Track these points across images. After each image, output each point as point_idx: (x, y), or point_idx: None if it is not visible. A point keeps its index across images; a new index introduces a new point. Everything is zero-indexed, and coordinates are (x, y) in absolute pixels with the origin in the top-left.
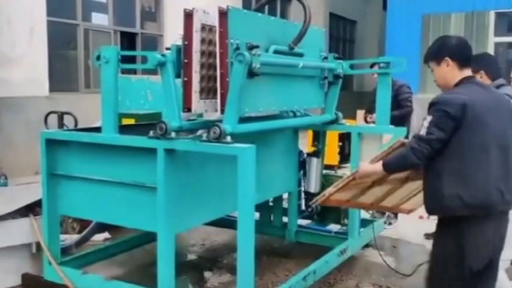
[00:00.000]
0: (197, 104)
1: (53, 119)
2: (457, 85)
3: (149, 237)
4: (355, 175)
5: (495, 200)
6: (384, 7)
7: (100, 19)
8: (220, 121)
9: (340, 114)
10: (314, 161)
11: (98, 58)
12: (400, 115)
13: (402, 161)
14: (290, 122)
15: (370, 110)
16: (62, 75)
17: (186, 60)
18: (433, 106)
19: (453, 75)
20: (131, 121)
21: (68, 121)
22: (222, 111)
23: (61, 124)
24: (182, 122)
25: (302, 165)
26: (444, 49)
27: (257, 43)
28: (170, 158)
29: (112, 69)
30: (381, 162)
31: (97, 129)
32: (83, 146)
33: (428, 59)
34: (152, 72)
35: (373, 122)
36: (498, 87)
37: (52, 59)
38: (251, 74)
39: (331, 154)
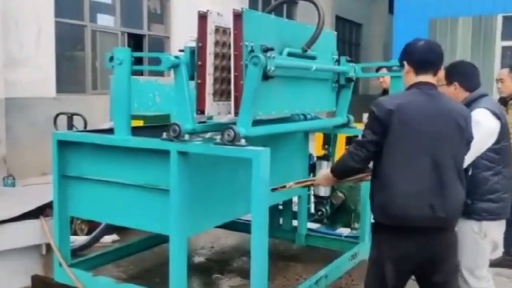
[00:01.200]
0: (211, 106)
1: (62, 120)
2: (407, 89)
3: (158, 239)
4: (313, 182)
5: (420, 214)
6: (390, 10)
7: (106, 21)
8: (233, 123)
9: (351, 118)
10: (324, 164)
11: (111, 59)
12: None
13: (344, 165)
14: (302, 125)
15: None
16: (69, 76)
17: (200, 62)
18: (370, 109)
19: (410, 79)
20: (140, 123)
21: (77, 122)
22: (236, 114)
23: (70, 125)
24: (195, 124)
25: (312, 169)
26: (404, 53)
27: (271, 45)
28: (183, 160)
29: (125, 71)
30: (329, 169)
31: (107, 131)
32: (95, 148)
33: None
34: (159, 73)
35: None
36: (477, 98)
37: (59, 60)
38: (266, 76)
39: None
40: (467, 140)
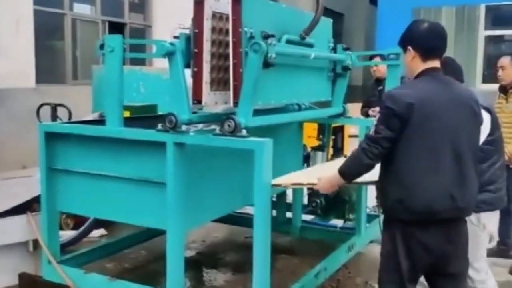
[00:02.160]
0: (208, 95)
1: (45, 112)
2: (417, 77)
3: (149, 234)
4: (314, 186)
5: (443, 206)
6: (371, 0)
7: (85, 10)
8: (232, 113)
9: (347, 107)
10: (319, 155)
11: (102, 47)
12: None
13: (356, 164)
14: (300, 115)
15: (370, 103)
16: (49, 66)
17: (196, 50)
18: (382, 102)
19: (416, 66)
20: (126, 114)
21: (61, 113)
22: (235, 104)
23: (54, 117)
24: (191, 115)
25: (306, 159)
26: (408, 38)
27: (270, 32)
28: (180, 152)
29: (117, 58)
30: (336, 172)
31: (95, 122)
32: (85, 140)
33: (398, 44)
34: (142, 62)
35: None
36: None
37: (39, 50)
38: (266, 64)
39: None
40: (480, 124)
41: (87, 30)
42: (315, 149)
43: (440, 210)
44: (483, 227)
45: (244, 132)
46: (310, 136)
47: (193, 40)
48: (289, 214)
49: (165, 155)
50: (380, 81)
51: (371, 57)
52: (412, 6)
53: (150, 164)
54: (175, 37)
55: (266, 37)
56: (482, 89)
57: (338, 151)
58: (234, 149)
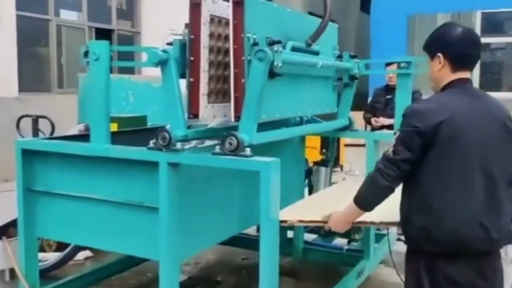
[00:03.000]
0: (205, 109)
1: (26, 123)
2: (444, 89)
3: (139, 259)
4: (325, 225)
5: (475, 238)
6: (362, 7)
7: (70, 17)
8: (231, 128)
9: (353, 119)
10: (323, 170)
11: (86, 54)
12: None
13: (373, 188)
14: (306, 129)
15: (375, 110)
16: (32, 74)
17: (192, 58)
18: (404, 118)
19: (444, 75)
20: (114, 127)
21: (43, 125)
22: (237, 118)
23: (36, 130)
24: (187, 131)
25: (307, 175)
26: (439, 42)
27: (274, 38)
28: (174, 173)
29: (103, 67)
30: (351, 202)
31: (79, 137)
32: (68, 158)
33: (424, 49)
34: (130, 71)
35: (380, 127)
36: None
37: (22, 56)
38: (271, 74)
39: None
40: None
41: (73, 36)
42: (317, 164)
43: (470, 241)
44: (510, 261)
45: (248, 151)
46: (311, 147)
47: (189, 47)
48: (290, 233)
49: (158, 176)
50: (390, 89)
51: (387, 64)
52: (407, 13)
53: (140, 186)
54: (169, 44)
55: (271, 43)
56: None
57: (333, 160)
58: (237, 170)
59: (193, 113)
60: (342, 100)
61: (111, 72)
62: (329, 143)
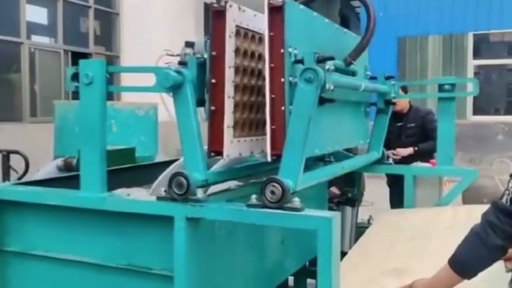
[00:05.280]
0: (230, 144)
1: None
2: None
3: None
4: None
5: None
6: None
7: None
8: (266, 170)
9: (386, 152)
10: (349, 211)
11: (74, 77)
12: (430, 148)
13: (480, 248)
14: (348, 165)
15: (389, 142)
16: (2, 102)
17: (214, 80)
18: None
19: None
20: None
21: (15, 161)
22: (275, 157)
23: (6, 167)
24: (207, 173)
25: None
26: None
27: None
28: (194, 230)
29: (98, 93)
30: (446, 266)
31: (62, 180)
32: (49, 209)
33: None
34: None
35: (399, 160)
36: None
37: None
38: (321, 100)
39: None
40: None
41: (47, 60)
42: (342, 203)
43: None
44: None
45: (297, 202)
46: None
47: (209, 67)
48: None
49: (172, 234)
50: (399, 115)
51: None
52: (397, 34)
53: (148, 247)
54: (181, 63)
55: (321, 60)
56: (473, 121)
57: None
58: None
59: (215, 150)
60: (375, 129)
61: None
62: (355, 179)
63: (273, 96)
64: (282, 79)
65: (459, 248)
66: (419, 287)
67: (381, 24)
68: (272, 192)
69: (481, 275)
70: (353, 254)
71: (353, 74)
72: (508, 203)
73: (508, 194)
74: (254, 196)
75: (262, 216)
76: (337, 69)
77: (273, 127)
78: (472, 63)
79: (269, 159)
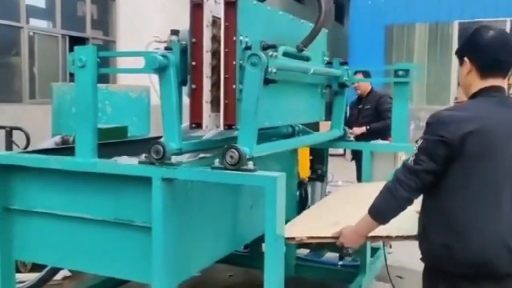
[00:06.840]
0: (208, 118)
1: None
2: (473, 96)
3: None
4: (337, 241)
5: (499, 258)
6: (336, 18)
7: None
8: (224, 140)
9: (347, 130)
10: (318, 186)
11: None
12: (382, 128)
13: (391, 200)
14: (305, 140)
15: (349, 123)
16: (3, 84)
17: (194, 63)
18: (428, 126)
19: (472, 82)
20: None
21: (17, 137)
22: (228, 126)
23: (9, 142)
24: (181, 143)
25: (304, 193)
26: (466, 46)
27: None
28: (169, 189)
29: (89, 75)
30: (366, 214)
31: (58, 151)
32: (49, 174)
33: (455, 54)
34: (105, 79)
35: (356, 138)
36: None
37: None
38: (265, 81)
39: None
40: None
41: (46, 45)
42: (313, 179)
43: (495, 263)
44: None
45: (250, 164)
46: None
47: (190, 52)
48: None
49: (151, 192)
50: (361, 99)
51: (354, 73)
52: (385, 22)
53: (131, 204)
54: (167, 48)
55: (265, 47)
56: None
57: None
58: (239, 185)
59: (196, 122)
60: (334, 109)
61: None
62: (323, 155)
63: (226, 76)
64: (234, 62)
65: (375, 200)
66: (347, 232)
67: (369, 13)
68: (231, 157)
69: (393, 221)
70: (301, 215)
71: (307, 59)
72: (412, 163)
73: (413, 156)
74: (217, 160)
75: (222, 176)
76: (289, 55)
77: (226, 101)
78: None
79: (221, 128)
